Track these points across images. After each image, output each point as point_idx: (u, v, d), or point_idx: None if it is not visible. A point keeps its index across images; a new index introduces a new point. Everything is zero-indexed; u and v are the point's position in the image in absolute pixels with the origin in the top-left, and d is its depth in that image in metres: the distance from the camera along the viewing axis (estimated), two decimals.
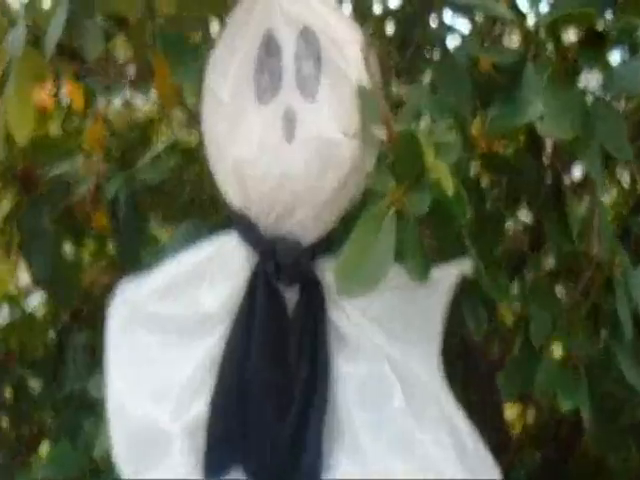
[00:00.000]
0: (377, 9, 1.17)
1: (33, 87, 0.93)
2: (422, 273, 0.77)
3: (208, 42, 0.88)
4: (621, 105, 1.05)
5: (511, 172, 0.96)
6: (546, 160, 1.00)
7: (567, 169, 1.10)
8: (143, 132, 1.25)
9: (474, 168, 0.92)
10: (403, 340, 0.82)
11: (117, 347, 0.85)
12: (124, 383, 0.84)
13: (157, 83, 1.01)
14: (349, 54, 0.80)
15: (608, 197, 1.24)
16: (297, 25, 0.81)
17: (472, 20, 1.09)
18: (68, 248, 1.26)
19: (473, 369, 1.17)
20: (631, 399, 0.97)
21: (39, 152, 1.11)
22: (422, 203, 0.73)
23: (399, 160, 0.75)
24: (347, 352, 0.83)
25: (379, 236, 0.73)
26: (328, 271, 0.82)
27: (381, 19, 1.16)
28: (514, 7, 0.88)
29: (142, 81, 1.08)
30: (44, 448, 1.34)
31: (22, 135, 0.92)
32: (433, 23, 1.13)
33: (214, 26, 1.02)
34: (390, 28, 1.16)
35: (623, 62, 0.89)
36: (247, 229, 0.83)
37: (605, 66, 0.85)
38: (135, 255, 1.10)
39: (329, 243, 0.83)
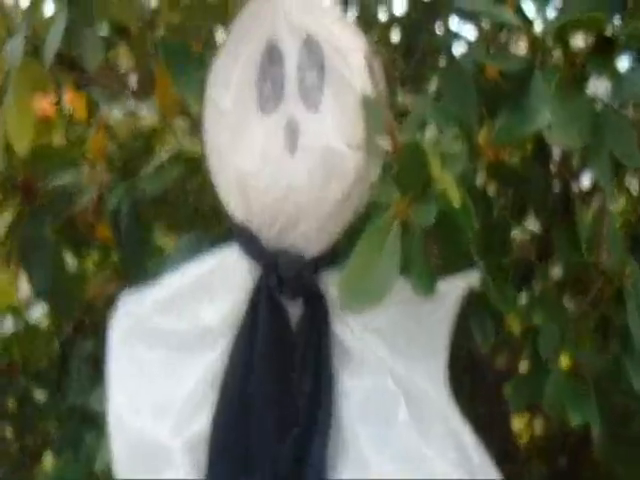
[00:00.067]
0: (382, 16, 1.16)
1: (32, 97, 0.92)
2: (428, 288, 0.75)
3: (210, 51, 0.87)
4: (630, 112, 1.04)
5: (518, 181, 0.95)
6: (554, 168, 0.99)
7: (575, 177, 1.08)
8: (146, 142, 1.24)
9: (480, 177, 0.91)
10: (406, 355, 0.81)
11: (118, 360, 0.85)
12: (125, 397, 0.83)
13: (158, 93, 1.00)
14: (353, 62, 0.79)
15: (616, 205, 1.23)
16: (300, 34, 0.79)
17: (478, 27, 1.08)
18: (70, 259, 1.25)
19: (480, 380, 1.16)
20: None
21: (40, 162, 1.10)
22: (428, 215, 0.72)
23: (404, 171, 0.74)
24: (351, 366, 0.82)
25: (384, 249, 0.72)
26: (332, 284, 0.80)
27: (386, 26, 1.15)
28: (521, 13, 0.87)
29: (144, 91, 1.07)
30: (47, 459, 1.33)
31: (22, 145, 0.92)
32: (439, 30, 1.12)
33: (217, 35, 1.01)
34: (395, 35, 1.15)
35: (632, 68, 0.88)
36: (249, 242, 0.81)
37: (614, 72, 0.83)
38: (139, 266, 1.09)
39: (333, 256, 0.82)
